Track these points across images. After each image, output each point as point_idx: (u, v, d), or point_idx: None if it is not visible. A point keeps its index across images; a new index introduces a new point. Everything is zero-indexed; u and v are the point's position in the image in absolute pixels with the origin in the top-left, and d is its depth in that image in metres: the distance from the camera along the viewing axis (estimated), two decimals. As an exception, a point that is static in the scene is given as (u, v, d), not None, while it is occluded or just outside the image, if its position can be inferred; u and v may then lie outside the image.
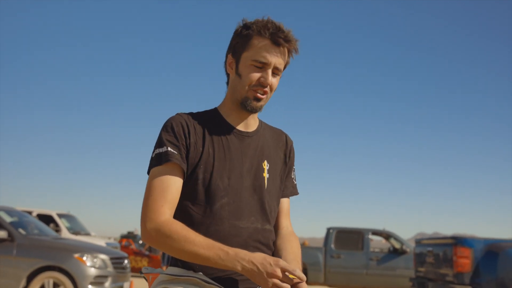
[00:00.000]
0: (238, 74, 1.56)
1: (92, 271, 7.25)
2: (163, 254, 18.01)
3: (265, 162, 1.62)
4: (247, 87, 1.53)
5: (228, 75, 1.64)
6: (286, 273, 1.35)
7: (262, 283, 1.34)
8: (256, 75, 1.52)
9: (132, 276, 12.92)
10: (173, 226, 1.42)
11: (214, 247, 1.37)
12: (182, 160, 1.49)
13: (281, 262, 1.36)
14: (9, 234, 7.28)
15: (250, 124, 1.64)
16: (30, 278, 7.06)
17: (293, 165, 1.75)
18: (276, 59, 1.52)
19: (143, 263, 17.36)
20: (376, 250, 13.72)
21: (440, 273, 8.05)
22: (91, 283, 7.19)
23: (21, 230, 7.60)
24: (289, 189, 1.73)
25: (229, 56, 1.59)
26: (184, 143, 1.51)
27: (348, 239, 12.97)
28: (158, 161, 1.49)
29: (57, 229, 13.26)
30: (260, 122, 1.70)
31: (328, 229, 13.11)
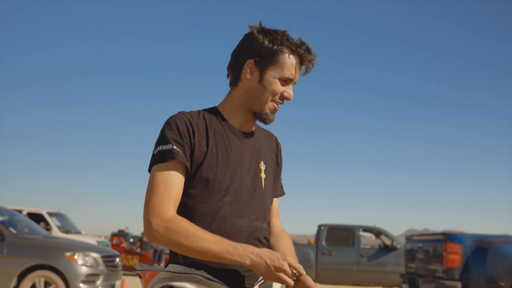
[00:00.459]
0: (262, 84, 1.58)
1: (84, 270, 7.22)
2: (154, 252, 17.99)
3: (262, 163, 1.66)
4: (270, 99, 1.59)
5: (237, 77, 1.64)
6: (291, 268, 1.41)
7: (269, 276, 1.39)
8: (281, 89, 1.59)
9: (124, 274, 12.88)
10: (181, 222, 1.44)
11: (223, 242, 1.40)
12: (187, 159, 1.50)
13: (288, 257, 1.41)
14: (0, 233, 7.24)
15: (249, 126, 1.67)
16: (21, 277, 7.01)
17: (282, 166, 1.81)
18: (298, 76, 1.62)
19: (134, 261, 17.33)
20: (367, 246, 13.81)
21: (430, 269, 8.12)
22: (83, 282, 7.16)
23: (11, 229, 7.53)
24: (279, 190, 1.79)
25: (251, 62, 1.59)
26: (189, 142, 1.52)
27: (339, 236, 13.04)
28: (162, 158, 1.50)
29: (48, 227, 13.19)
30: (256, 124, 1.73)
31: (319, 226, 13.17)
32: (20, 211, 12.55)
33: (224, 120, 1.63)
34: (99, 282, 7.41)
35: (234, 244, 1.41)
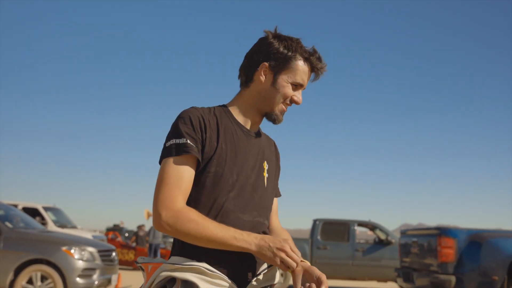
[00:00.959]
0: (275, 87, 1.67)
1: (80, 264, 7.24)
2: (150, 246, 18.02)
3: (265, 162, 1.74)
4: (281, 101, 1.68)
5: (250, 78, 1.71)
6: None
7: (273, 259, 1.47)
8: (292, 93, 1.69)
9: (120, 268, 12.91)
10: (190, 214, 1.49)
11: (229, 230, 1.49)
12: (199, 153, 1.56)
13: (290, 241, 1.52)
14: (-4, 228, 7.23)
15: (256, 126, 1.75)
16: (18, 271, 7.03)
17: (280, 170, 1.90)
18: (307, 82, 1.72)
19: (130, 255, 17.35)
20: (362, 241, 13.88)
21: (424, 263, 8.18)
22: (79, 276, 7.19)
23: (7, 224, 7.54)
24: (277, 190, 1.87)
25: (265, 65, 1.67)
26: (201, 137, 1.57)
27: (334, 231, 13.09)
28: (176, 151, 1.54)
29: (43, 222, 13.18)
30: (259, 127, 1.81)
31: (315, 221, 13.22)
32: (15, 206, 12.53)
33: (234, 118, 1.69)
34: (95, 276, 7.43)
35: (239, 231, 1.50)
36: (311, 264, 13.01)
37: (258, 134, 1.76)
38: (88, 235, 12.78)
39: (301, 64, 1.66)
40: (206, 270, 1.49)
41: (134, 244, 19.05)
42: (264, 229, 1.68)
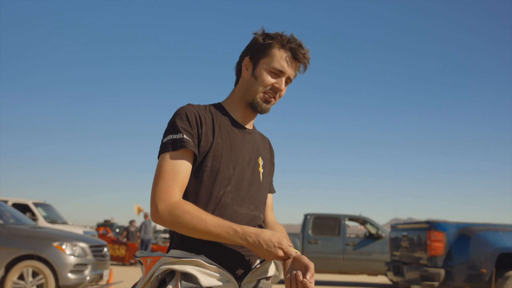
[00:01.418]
0: (254, 76, 1.70)
1: (72, 259, 7.23)
2: (142, 241, 18.01)
3: (260, 158, 1.78)
4: (261, 89, 1.69)
5: (239, 75, 1.77)
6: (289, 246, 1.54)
7: (266, 253, 1.51)
8: (271, 80, 1.69)
9: (111, 264, 12.89)
10: (185, 206, 1.53)
11: (224, 225, 1.52)
12: (195, 148, 1.60)
13: (284, 236, 1.63)
14: (-14, 224, 7.20)
15: (250, 123, 1.79)
16: (9, 267, 7.01)
17: (274, 167, 1.94)
18: (291, 71, 1.71)
19: (121, 251, 17.33)
20: (353, 235, 13.96)
21: (414, 257, 8.28)
22: (71, 272, 7.18)
23: (-2, 219, 7.52)
24: (272, 186, 1.92)
25: (247, 58, 1.73)
26: (197, 132, 1.61)
27: (325, 225, 13.17)
28: (173, 146, 1.58)
29: (34, 218, 13.10)
30: (253, 124, 1.85)
31: (306, 215, 13.28)
32: (5, 202, 12.47)
33: (228, 114, 1.73)
34: (87, 272, 7.42)
35: (234, 226, 1.52)
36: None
37: (253, 131, 1.80)
38: (79, 231, 12.74)
39: (279, 51, 1.68)
40: (204, 263, 1.53)
41: (125, 240, 19.03)
42: (260, 223, 1.72)
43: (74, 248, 7.34)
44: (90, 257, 7.57)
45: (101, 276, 7.89)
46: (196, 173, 1.62)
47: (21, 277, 7.04)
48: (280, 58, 1.68)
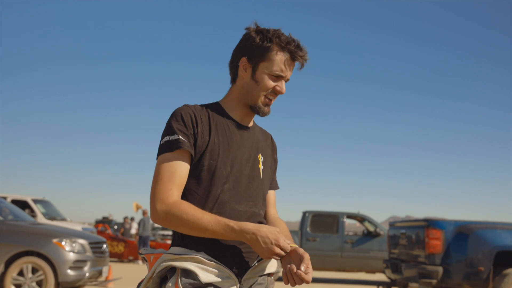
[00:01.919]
0: (254, 80, 1.71)
1: (71, 256, 7.25)
2: (140, 238, 18.03)
3: (260, 155, 1.79)
4: (262, 94, 1.70)
5: (235, 74, 1.77)
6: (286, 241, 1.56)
7: (263, 252, 1.53)
8: (272, 84, 1.71)
9: (110, 261, 12.90)
10: (182, 206, 1.56)
11: (221, 222, 1.54)
12: (191, 148, 1.62)
13: (285, 231, 1.69)
14: (-14, 220, 7.21)
15: (248, 120, 1.80)
16: (8, 263, 7.03)
17: (277, 163, 1.95)
18: (290, 72, 1.73)
19: (120, 248, 17.36)
20: (351, 233, 14.01)
21: (412, 254, 8.30)
22: (70, 268, 7.20)
23: (-3, 216, 7.53)
24: (275, 183, 1.94)
25: (244, 59, 1.72)
26: (193, 132, 1.63)
27: (323, 223, 13.22)
28: (169, 147, 1.61)
29: (33, 214, 13.11)
30: (253, 121, 1.86)
31: (304, 213, 13.32)
32: (4, 198, 12.47)
33: (225, 113, 1.75)
34: (86, 268, 7.45)
35: (231, 223, 1.54)
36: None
37: (252, 127, 1.81)
38: (78, 228, 12.75)
39: (278, 54, 1.68)
40: (204, 259, 1.56)
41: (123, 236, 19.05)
42: (260, 219, 1.74)
43: (74, 245, 7.36)
44: (89, 253, 7.59)
45: (100, 273, 7.91)
46: (193, 173, 1.64)
47: (20, 273, 7.06)
48: (280, 61, 1.68)
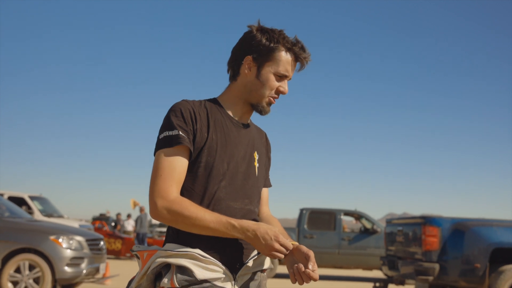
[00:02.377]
0: (260, 79, 1.71)
1: (68, 253, 7.24)
2: (137, 235, 18.03)
3: (256, 153, 1.80)
4: (267, 93, 1.72)
5: (236, 71, 1.76)
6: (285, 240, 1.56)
7: (264, 248, 1.53)
8: (277, 84, 1.72)
9: (107, 258, 12.89)
10: (182, 203, 1.56)
11: (222, 220, 1.55)
12: (191, 144, 1.61)
13: (280, 229, 1.67)
14: (-18, 217, 7.19)
15: (245, 118, 1.80)
16: (5, 260, 7.01)
17: (271, 161, 1.96)
18: (293, 72, 1.76)
19: (117, 245, 17.34)
20: (348, 230, 14.03)
21: (409, 252, 8.32)
22: (68, 265, 7.19)
23: (-6, 213, 7.51)
24: (268, 181, 1.94)
25: (249, 58, 1.71)
26: (192, 128, 1.62)
27: (320, 220, 13.23)
28: (168, 143, 1.60)
29: (30, 211, 13.10)
30: (249, 119, 1.86)
31: (301, 210, 13.33)
32: (1, 195, 12.45)
33: (224, 110, 1.74)
34: (83, 265, 7.43)
35: (232, 221, 1.54)
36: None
37: (248, 125, 1.81)
38: (75, 224, 12.76)
39: (284, 55, 1.70)
40: (199, 256, 1.56)
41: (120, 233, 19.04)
42: (255, 217, 1.74)
43: (71, 242, 7.35)
44: (86, 250, 7.58)
45: (97, 270, 7.90)
46: (191, 169, 1.63)
47: (17, 270, 7.04)
48: (286, 62, 1.70)
